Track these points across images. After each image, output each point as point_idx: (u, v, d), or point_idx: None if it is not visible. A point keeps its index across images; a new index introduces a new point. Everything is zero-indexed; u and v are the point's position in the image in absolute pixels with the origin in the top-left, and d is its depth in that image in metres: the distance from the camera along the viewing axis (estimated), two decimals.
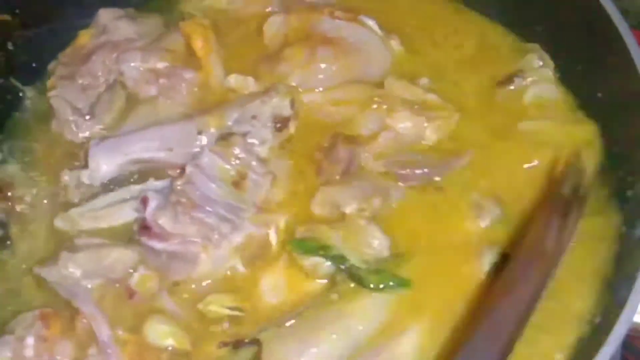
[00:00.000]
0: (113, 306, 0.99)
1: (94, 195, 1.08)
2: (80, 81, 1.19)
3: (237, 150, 1.06)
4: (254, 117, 1.11)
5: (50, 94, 1.17)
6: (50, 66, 1.23)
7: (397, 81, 1.15)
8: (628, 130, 1.02)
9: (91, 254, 1.00)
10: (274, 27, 1.23)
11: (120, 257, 1.00)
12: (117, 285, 1.00)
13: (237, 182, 1.04)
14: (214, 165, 1.04)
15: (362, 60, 1.19)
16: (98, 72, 1.19)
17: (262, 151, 1.10)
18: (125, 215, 1.06)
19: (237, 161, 1.06)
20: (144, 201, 1.00)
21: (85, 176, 1.08)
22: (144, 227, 0.99)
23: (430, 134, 1.11)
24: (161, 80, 1.17)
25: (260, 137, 1.10)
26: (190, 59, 1.19)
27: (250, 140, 1.09)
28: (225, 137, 1.09)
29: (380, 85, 1.15)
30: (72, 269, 0.99)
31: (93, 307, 0.97)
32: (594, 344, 0.87)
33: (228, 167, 1.05)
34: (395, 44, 1.21)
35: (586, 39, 1.09)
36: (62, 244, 1.03)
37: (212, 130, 1.10)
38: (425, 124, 1.10)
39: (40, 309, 0.97)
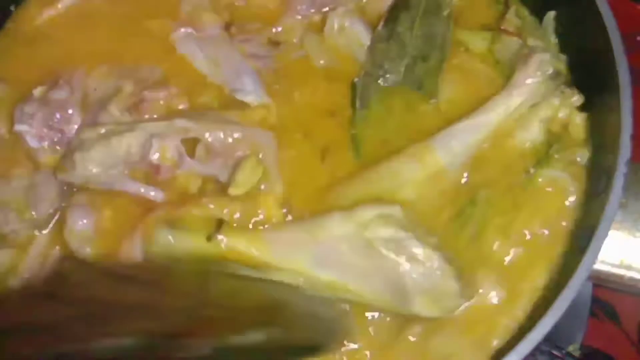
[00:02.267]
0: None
1: None
2: None
3: None
4: None
5: None
6: None
7: None
8: None
9: (103, 148, 1.01)
10: None
11: (131, 141, 1.01)
12: (140, 165, 1.02)
13: None
14: None
15: None
16: None
17: None
18: None
19: None
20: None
21: None
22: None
23: None
24: None
25: None
26: None
27: None
28: None
29: None
30: (92, 167, 1.01)
31: (136, 184, 1.01)
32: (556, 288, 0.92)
33: None
34: None
35: None
36: None
37: None
38: None
39: None
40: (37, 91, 1.10)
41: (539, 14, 1.15)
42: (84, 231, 0.99)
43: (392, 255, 0.92)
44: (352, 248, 0.93)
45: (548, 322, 0.85)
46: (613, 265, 0.97)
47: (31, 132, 1.07)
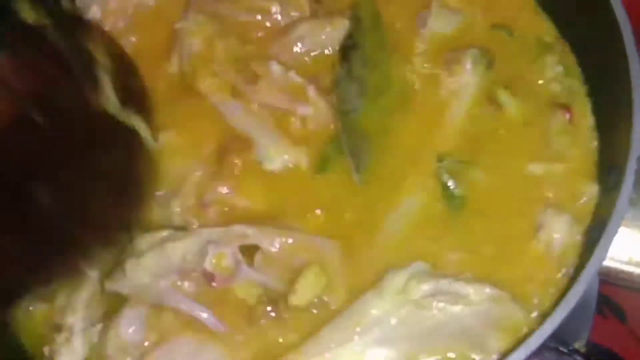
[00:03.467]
0: (197, 296, 0.95)
1: None
2: None
3: None
4: None
5: None
6: None
7: None
8: None
9: (157, 254, 0.96)
10: None
11: (187, 247, 0.96)
12: (194, 274, 0.95)
13: None
14: None
15: None
16: None
17: None
18: None
19: None
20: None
21: None
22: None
23: None
24: None
25: None
26: None
27: None
28: None
29: None
30: (143, 275, 0.95)
31: (187, 300, 0.94)
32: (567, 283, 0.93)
33: None
34: None
35: None
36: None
37: None
38: None
39: None
40: None
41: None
42: (128, 342, 0.93)
43: (447, 306, 0.90)
44: (402, 318, 0.90)
45: (558, 316, 0.85)
46: (622, 262, 0.98)
47: None
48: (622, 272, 0.97)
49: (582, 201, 0.99)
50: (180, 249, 0.95)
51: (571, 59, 1.11)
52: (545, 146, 1.04)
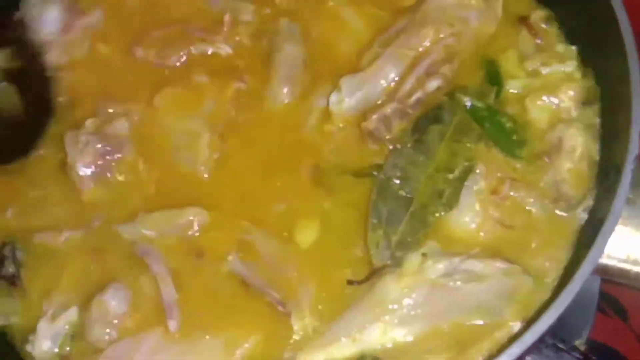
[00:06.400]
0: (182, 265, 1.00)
1: None
2: None
3: None
4: None
5: None
6: None
7: None
8: None
9: (167, 213, 1.02)
10: None
11: (195, 216, 1.01)
12: (185, 245, 1.01)
13: None
14: None
15: None
16: None
17: None
18: None
19: None
20: None
21: None
22: None
23: None
24: None
25: None
26: None
27: None
28: None
29: None
30: (148, 229, 1.02)
31: (163, 267, 0.99)
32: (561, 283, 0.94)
33: None
34: None
35: None
36: None
37: None
38: None
39: None
40: (90, 122, 1.09)
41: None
42: (112, 313, 0.97)
43: (461, 284, 0.94)
44: (420, 298, 0.94)
45: (552, 314, 0.86)
46: (620, 260, 0.98)
47: (84, 161, 1.06)
48: (620, 269, 0.97)
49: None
50: (187, 216, 1.02)
51: None
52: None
